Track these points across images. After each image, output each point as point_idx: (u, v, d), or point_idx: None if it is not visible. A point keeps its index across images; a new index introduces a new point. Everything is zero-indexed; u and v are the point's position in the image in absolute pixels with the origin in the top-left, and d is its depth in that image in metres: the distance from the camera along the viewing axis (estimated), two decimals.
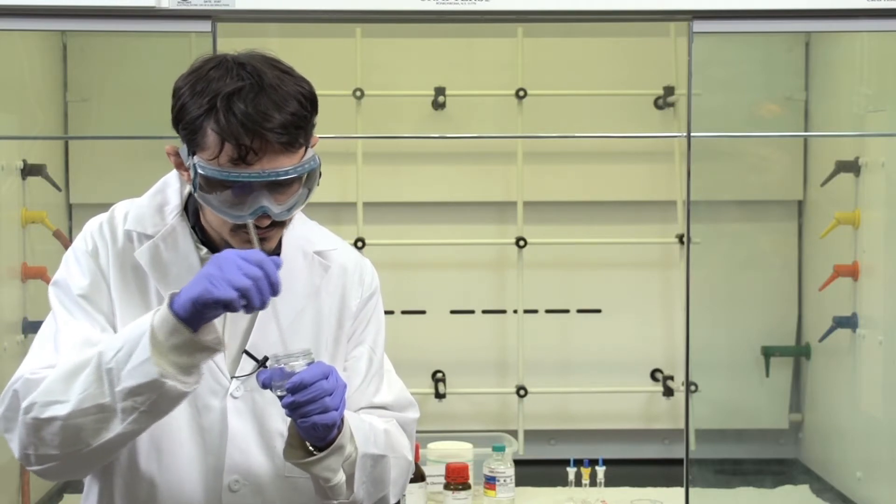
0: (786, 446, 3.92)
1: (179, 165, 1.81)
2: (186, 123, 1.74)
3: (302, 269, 1.90)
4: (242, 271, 1.66)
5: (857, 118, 3.50)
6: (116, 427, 1.70)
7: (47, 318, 1.85)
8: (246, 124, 1.69)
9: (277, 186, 1.74)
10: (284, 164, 1.73)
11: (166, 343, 1.67)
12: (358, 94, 3.75)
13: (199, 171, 1.72)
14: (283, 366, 1.71)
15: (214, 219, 1.79)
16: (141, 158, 3.43)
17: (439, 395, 3.82)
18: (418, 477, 2.98)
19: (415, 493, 2.96)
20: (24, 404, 1.72)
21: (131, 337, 1.69)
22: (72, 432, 1.70)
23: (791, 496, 3.61)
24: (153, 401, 1.69)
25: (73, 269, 1.84)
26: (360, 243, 3.72)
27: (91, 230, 1.87)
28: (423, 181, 3.88)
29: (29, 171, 3.42)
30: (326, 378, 1.70)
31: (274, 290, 1.68)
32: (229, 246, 1.80)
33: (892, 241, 3.26)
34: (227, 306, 1.66)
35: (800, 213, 3.93)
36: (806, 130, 3.85)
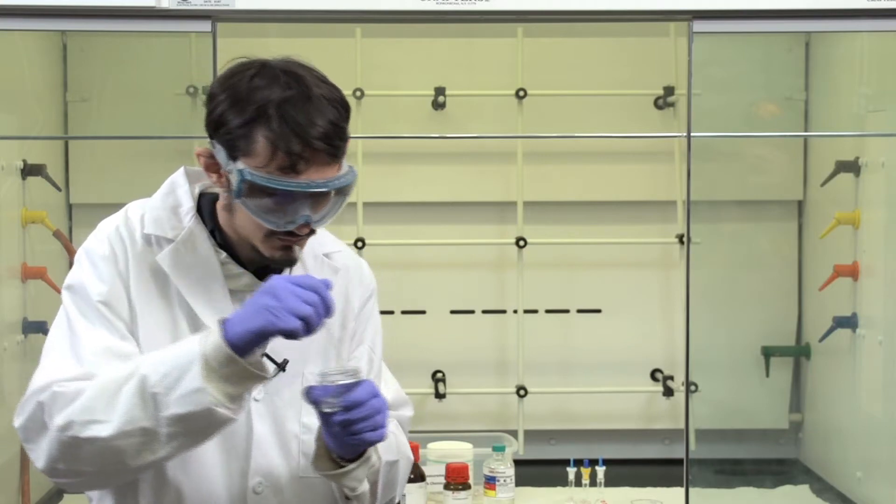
0: (786, 446, 3.92)
1: (210, 168, 1.80)
2: (231, 129, 1.74)
3: (314, 272, 1.91)
4: (301, 299, 1.67)
5: (857, 118, 3.50)
6: (159, 451, 1.70)
7: (59, 322, 1.81)
8: (298, 133, 1.71)
9: (319, 196, 1.76)
10: (327, 174, 1.75)
11: (219, 372, 1.67)
12: (358, 94, 3.75)
13: (248, 177, 1.72)
14: (335, 383, 1.72)
15: (247, 224, 1.80)
16: (141, 158, 3.43)
17: (439, 395, 3.82)
18: (418, 477, 2.98)
19: (415, 493, 2.96)
20: (58, 420, 1.70)
21: (178, 363, 1.68)
22: (112, 453, 1.69)
23: (791, 496, 3.61)
24: (200, 427, 1.70)
25: (89, 273, 1.81)
26: (360, 243, 3.72)
27: (107, 233, 1.84)
28: (423, 181, 3.88)
29: (29, 171, 3.42)
30: (376, 396, 1.74)
31: (329, 312, 1.70)
32: (254, 249, 1.82)
33: (892, 241, 3.26)
34: (290, 335, 1.67)
35: (800, 213, 3.93)
36: (806, 130, 3.84)
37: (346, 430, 1.72)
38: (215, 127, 1.77)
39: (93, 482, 1.78)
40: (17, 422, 1.74)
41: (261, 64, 1.78)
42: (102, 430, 1.67)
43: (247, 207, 1.75)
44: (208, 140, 1.81)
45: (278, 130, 1.71)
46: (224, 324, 1.68)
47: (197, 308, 1.82)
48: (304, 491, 1.90)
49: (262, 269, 1.86)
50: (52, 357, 1.78)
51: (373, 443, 1.76)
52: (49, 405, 1.70)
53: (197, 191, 1.88)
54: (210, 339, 1.68)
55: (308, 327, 1.68)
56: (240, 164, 1.74)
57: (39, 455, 1.73)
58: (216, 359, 1.67)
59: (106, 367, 1.73)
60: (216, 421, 1.69)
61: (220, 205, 1.85)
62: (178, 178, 1.90)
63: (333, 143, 1.74)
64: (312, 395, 1.73)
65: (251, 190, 1.73)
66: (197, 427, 1.69)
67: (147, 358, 1.73)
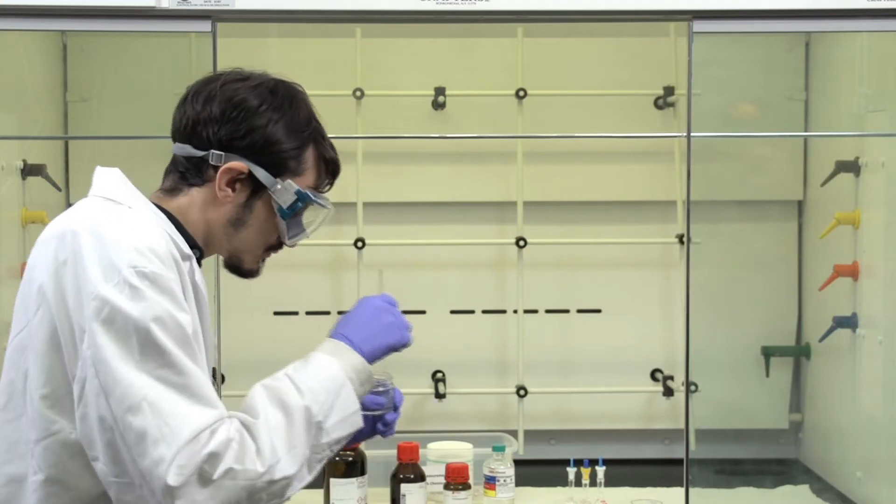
0: (786, 446, 3.92)
1: (230, 183, 1.80)
2: (284, 150, 1.79)
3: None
4: (402, 315, 1.83)
5: (857, 118, 3.50)
6: (307, 478, 1.69)
7: (151, 360, 1.62)
8: (335, 153, 1.89)
9: None
10: None
11: (359, 391, 1.74)
12: (358, 94, 3.75)
13: (314, 198, 1.83)
14: (393, 388, 1.87)
15: (255, 237, 1.84)
16: (141, 158, 3.42)
17: (439, 395, 3.82)
18: (418, 477, 2.98)
19: (415, 493, 2.95)
20: (256, 468, 1.62)
21: (330, 387, 1.71)
22: (283, 490, 1.67)
23: (791, 496, 3.61)
24: (340, 449, 1.74)
25: (168, 302, 1.65)
26: (360, 243, 3.71)
27: (163, 255, 1.68)
28: (423, 181, 3.88)
29: (29, 171, 3.42)
30: None
31: None
32: (235, 262, 1.87)
33: (892, 241, 3.26)
34: (404, 347, 1.83)
35: (800, 213, 3.93)
36: (806, 130, 3.84)
37: (389, 427, 1.85)
38: (262, 146, 1.79)
39: None
40: (178, 479, 1.57)
41: (283, 85, 1.84)
42: (289, 468, 1.65)
43: (287, 223, 1.82)
44: (221, 154, 1.80)
45: (330, 153, 1.84)
46: (346, 341, 1.75)
47: (207, 322, 1.81)
48: None
49: None
50: (172, 402, 1.60)
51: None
52: (222, 453, 1.60)
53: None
54: (352, 359, 1.74)
55: None
56: (291, 183, 1.80)
57: None
58: (359, 378, 1.73)
59: (220, 403, 1.65)
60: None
61: (219, 218, 1.82)
62: (130, 185, 1.87)
63: None
64: (374, 402, 1.84)
65: (304, 207, 1.83)
66: (339, 449, 1.73)
67: (289, 386, 1.69)
